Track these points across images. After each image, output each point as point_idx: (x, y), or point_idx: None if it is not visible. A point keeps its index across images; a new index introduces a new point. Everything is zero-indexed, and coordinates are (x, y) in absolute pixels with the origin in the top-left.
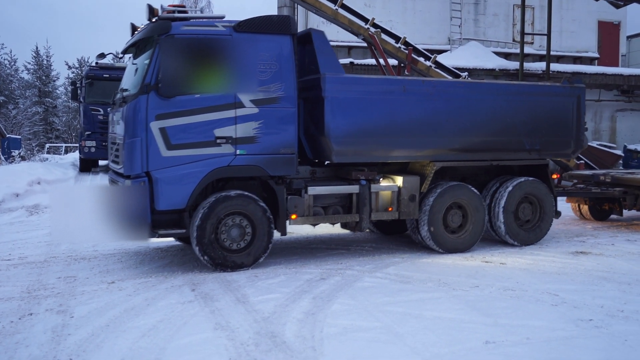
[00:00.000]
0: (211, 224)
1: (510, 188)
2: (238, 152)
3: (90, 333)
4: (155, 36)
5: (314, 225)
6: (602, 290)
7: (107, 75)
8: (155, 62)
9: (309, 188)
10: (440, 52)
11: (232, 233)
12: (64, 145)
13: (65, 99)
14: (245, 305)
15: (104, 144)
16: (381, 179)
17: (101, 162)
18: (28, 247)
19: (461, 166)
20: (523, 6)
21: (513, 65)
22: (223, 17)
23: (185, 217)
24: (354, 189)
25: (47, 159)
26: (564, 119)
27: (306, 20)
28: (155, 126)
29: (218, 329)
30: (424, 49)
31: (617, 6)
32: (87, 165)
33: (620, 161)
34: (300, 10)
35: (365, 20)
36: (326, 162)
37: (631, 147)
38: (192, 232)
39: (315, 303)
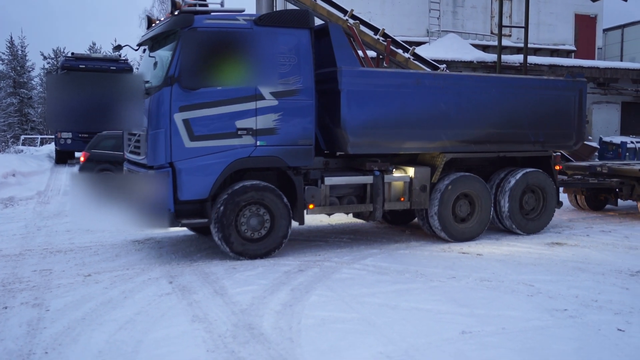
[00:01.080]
0: (245, 199)
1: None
2: (258, 143)
3: (66, 326)
4: (177, 29)
5: (329, 214)
6: (577, 280)
7: (83, 66)
8: (178, 54)
9: (326, 178)
10: (418, 44)
11: (252, 222)
12: (39, 137)
13: (41, 89)
14: (223, 297)
15: (80, 135)
16: (394, 170)
17: (77, 154)
18: (3, 240)
19: (469, 157)
20: None
21: (491, 57)
22: (243, 11)
23: (207, 207)
24: (368, 179)
25: (22, 150)
26: (566, 112)
27: None
28: (178, 118)
29: (196, 321)
30: (403, 41)
31: None
32: (63, 157)
33: (596, 153)
34: (279, 1)
35: (344, 11)
36: (338, 153)
37: (607, 139)
38: (224, 193)
39: (293, 295)
